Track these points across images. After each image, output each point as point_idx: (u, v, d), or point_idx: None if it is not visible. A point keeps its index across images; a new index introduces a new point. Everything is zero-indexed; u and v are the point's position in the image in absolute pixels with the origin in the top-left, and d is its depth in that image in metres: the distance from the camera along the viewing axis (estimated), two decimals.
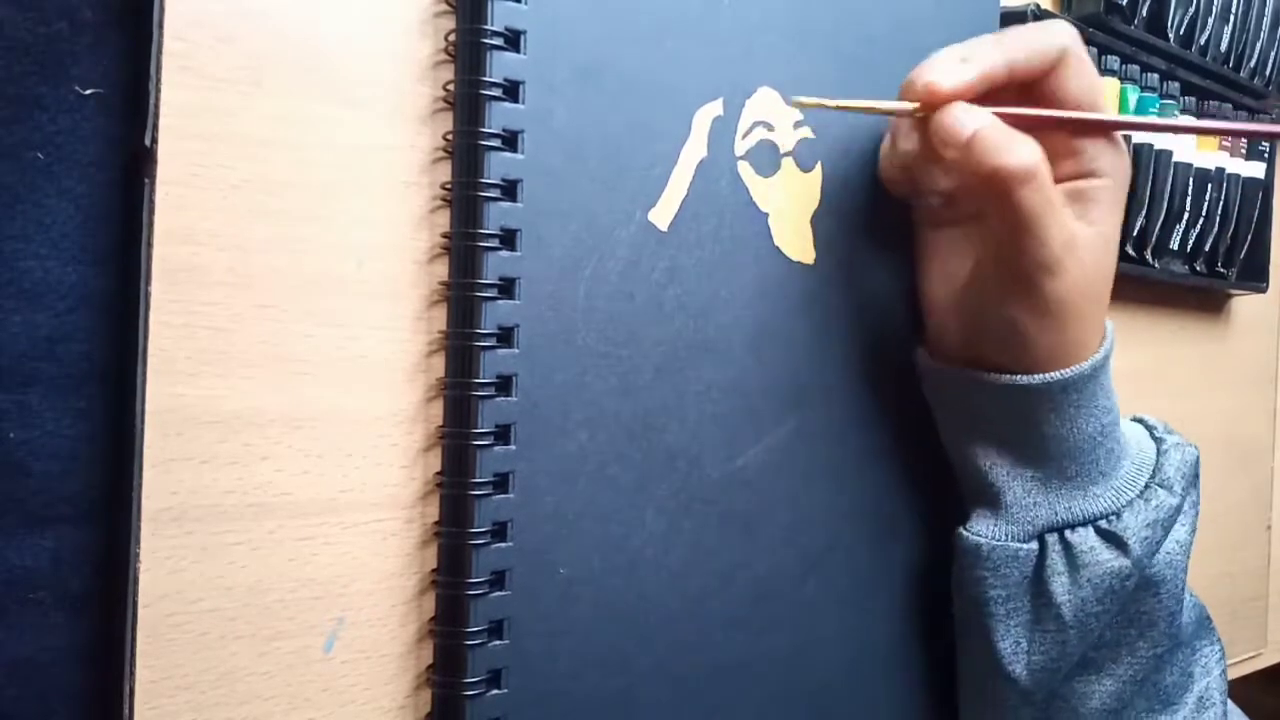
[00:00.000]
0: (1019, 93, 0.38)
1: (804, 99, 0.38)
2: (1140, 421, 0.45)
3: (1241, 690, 0.71)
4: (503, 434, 0.32)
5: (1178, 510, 0.41)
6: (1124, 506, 0.40)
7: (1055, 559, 0.40)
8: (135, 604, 0.28)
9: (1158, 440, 0.43)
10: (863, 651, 0.43)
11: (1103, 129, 0.38)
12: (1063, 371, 0.39)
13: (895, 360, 0.43)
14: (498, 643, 0.32)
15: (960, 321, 0.41)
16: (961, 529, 0.42)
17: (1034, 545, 0.41)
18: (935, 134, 0.36)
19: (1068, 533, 0.40)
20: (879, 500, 0.43)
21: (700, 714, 0.37)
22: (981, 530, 0.41)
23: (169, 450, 0.28)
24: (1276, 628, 0.74)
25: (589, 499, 0.34)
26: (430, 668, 0.33)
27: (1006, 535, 0.41)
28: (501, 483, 0.32)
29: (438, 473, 0.33)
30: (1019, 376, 0.39)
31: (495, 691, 0.32)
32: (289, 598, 0.30)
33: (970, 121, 0.35)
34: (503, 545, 0.32)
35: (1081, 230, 0.38)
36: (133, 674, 0.28)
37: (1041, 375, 0.39)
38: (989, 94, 0.37)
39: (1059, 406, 0.39)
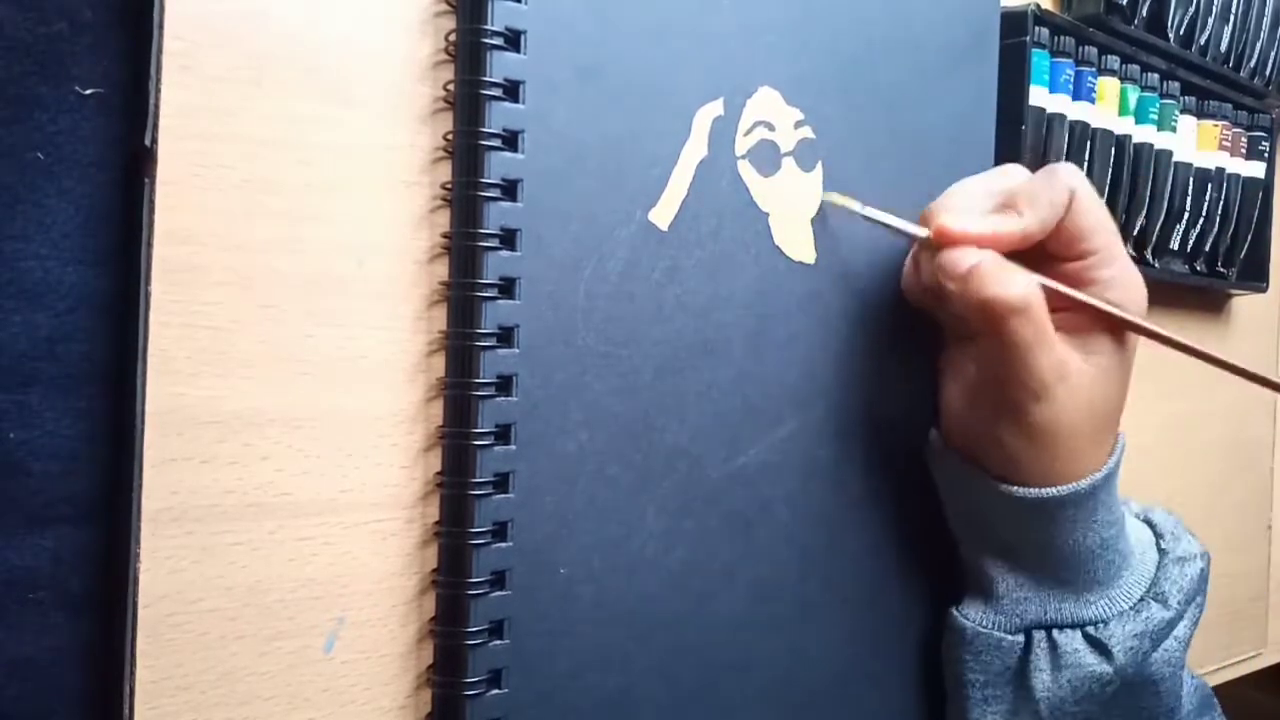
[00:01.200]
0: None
1: (835, 197, 0.40)
2: (1150, 524, 0.45)
3: (1241, 690, 0.71)
4: (503, 434, 0.32)
5: (1171, 624, 0.41)
6: (1114, 616, 0.40)
7: (1040, 655, 0.41)
8: (135, 604, 0.28)
9: (1162, 551, 0.43)
10: (863, 652, 0.43)
11: (1112, 322, 0.39)
12: (1058, 489, 0.39)
13: (896, 359, 0.43)
14: (498, 643, 0.32)
15: (966, 428, 0.42)
16: (954, 609, 0.43)
17: (1020, 638, 0.41)
18: (939, 267, 0.38)
19: (1055, 632, 0.40)
20: (880, 500, 0.43)
21: (700, 714, 0.37)
22: (970, 615, 0.42)
23: (169, 450, 0.28)
24: (1276, 628, 0.74)
25: (589, 499, 0.34)
26: (430, 668, 0.33)
27: (994, 625, 0.41)
28: (502, 483, 0.32)
29: (438, 473, 0.32)
30: (1015, 488, 0.39)
31: (495, 691, 0.32)
32: (289, 598, 0.30)
33: (970, 258, 0.37)
34: (503, 545, 0.32)
35: (1078, 362, 0.38)
36: (133, 674, 0.27)
37: (1037, 490, 0.39)
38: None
39: (1055, 520, 0.39)
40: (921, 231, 0.39)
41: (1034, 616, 0.41)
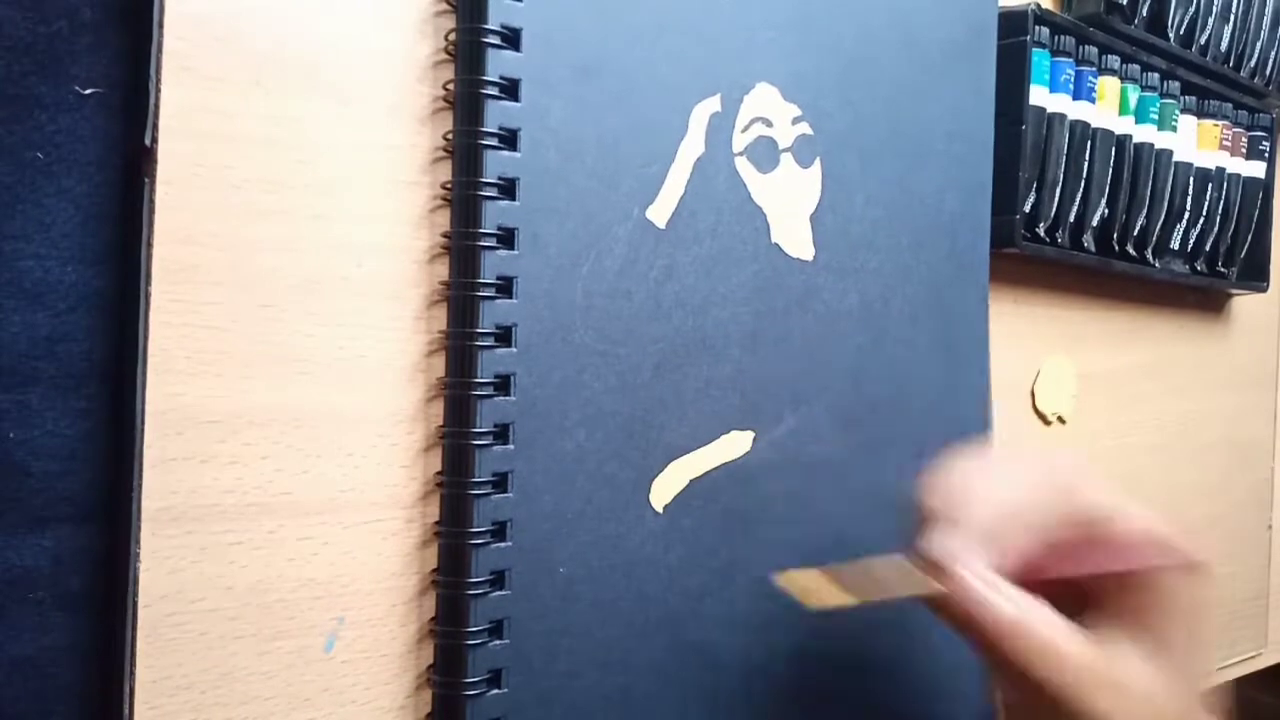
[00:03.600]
0: None
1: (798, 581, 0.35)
2: None
3: (1241, 690, 0.71)
4: (502, 433, 0.32)
5: None
6: None
7: None
8: (135, 604, 0.28)
9: None
10: (863, 650, 0.43)
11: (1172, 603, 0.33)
12: None
13: (895, 356, 0.43)
14: (498, 642, 0.32)
15: None
16: None
17: None
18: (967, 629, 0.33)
19: None
20: (879, 497, 0.43)
21: (700, 714, 0.37)
22: None
23: (169, 450, 0.28)
24: (1276, 628, 0.74)
25: (588, 498, 0.34)
26: (430, 667, 0.33)
27: None
28: (501, 482, 0.32)
29: (438, 472, 0.33)
30: None
31: (495, 691, 0.32)
32: (289, 598, 0.30)
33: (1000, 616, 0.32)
34: (502, 545, 0.32)
35: (1137, 669, 0.33)
36: (133, 674, 0.28)
37: None
38: None
39: None
40: (932, 587, 0.33)
41: None
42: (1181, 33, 0.58)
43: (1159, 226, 0.58)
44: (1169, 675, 0.33)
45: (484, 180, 0.32)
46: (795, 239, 0.40)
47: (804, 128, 0.40)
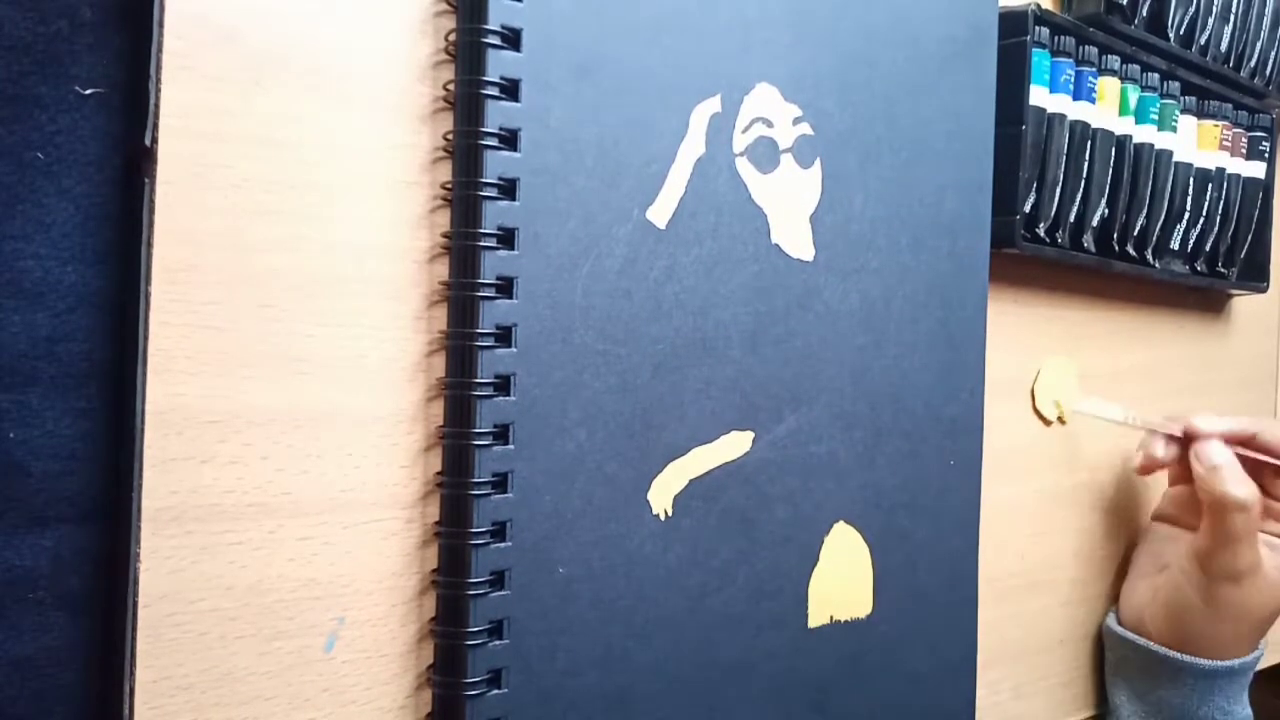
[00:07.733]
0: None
1: (1085, 409, 0.53)
2: None
3: None
4: (501, 433, 0.32)
5: None
6: None
7: None
8: (135, 604, 0.28)
9: None
10: (862, 649, 0.43)
11: None
12: (1233, 661, 0.51)
13: (894, 356, 0.43)
14: (498, 642, 0.32)
15: (1148, 596, 0.54)
16: None
17: None
18: (1193, 456, 0.51)
19: None
20: (878, 496, 0.43)
21: (699, 712, 0.37)
22: None
23: (169, 450, 0.28)
24: (1277, 627, 0.74)
25: (588, 498, 0.34)
26: (430, 668, 0.33)
27: None
28: (501, 482, 0.32)
29: (438, 472, 0.33)
30: (1184, 656, 0.51)
31: (495, 691, 0.32)
32: (289, 598, 0.30)
33: (1218, 456, 0.51)
34: (502, 545, 0.32)
35: (1270, 559, 0.51)
36: (133, 674, 0.28)
37: (1212, 662, 0.51)
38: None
39: (1215, 689, 0.51)
40: (1176, 430, 0.53)
41: None
42: (1181, 33, 0.58)
43: (1159, 227, 0.58)
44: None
45: (484, 180, 0.32)
46: (795, 239, 0.40)
47: (804, 128, 0.40)
